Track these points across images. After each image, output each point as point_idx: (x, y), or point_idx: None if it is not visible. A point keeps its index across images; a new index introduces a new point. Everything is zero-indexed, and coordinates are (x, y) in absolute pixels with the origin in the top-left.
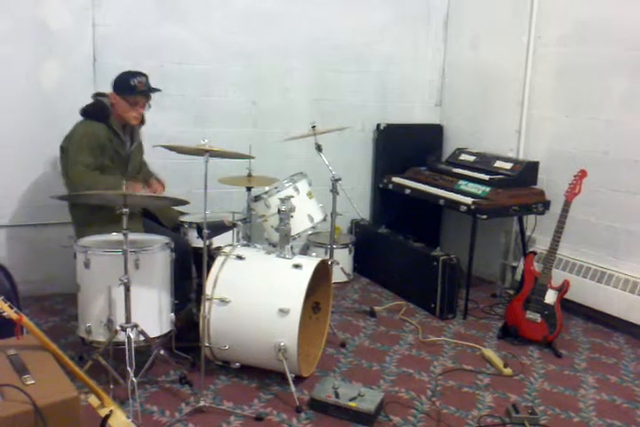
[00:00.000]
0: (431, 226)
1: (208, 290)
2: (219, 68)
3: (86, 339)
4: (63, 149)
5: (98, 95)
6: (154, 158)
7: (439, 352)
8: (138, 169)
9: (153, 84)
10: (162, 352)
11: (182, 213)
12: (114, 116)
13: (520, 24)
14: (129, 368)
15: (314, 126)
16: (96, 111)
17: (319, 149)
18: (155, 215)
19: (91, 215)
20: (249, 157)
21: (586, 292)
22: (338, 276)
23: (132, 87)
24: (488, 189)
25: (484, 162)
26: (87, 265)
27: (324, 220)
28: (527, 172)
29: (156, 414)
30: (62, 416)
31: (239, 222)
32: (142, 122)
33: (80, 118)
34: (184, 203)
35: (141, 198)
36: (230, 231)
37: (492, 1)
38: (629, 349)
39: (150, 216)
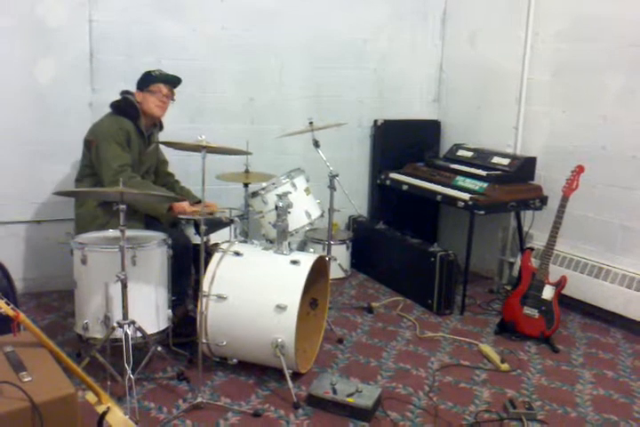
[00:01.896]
0: (429, 222)
1: (205, 286)
2: (216, 64)
3: (83, 336)
4: (88, 142)
5: (125, 93)
6: None
7: (436, 348)
8: (151, 173)
9: None
10: (159, 349)
11: None
12: (142, 115)
13: (517, 20)
14: (126, 365)
15: (311, 122)
16: (126, 108)
17: (317, 145)
18: None
19: (97, 211)
20: (246, 153)
21: (583, 287)
22: (335, 272)
23: (153, 76)
24: (485, 184)
25: (481, 158)
26: (84, 262)
27: (322, 216)
28: (525, 167)
29: (153, 410)
30: (59, 413)
31: (236, 219)
32: (161, 127)
33: (79, 114)
34: (179, 200)
35: (136, 195)
36: (228, 228)
37: None
38: (626, 344)
39: None
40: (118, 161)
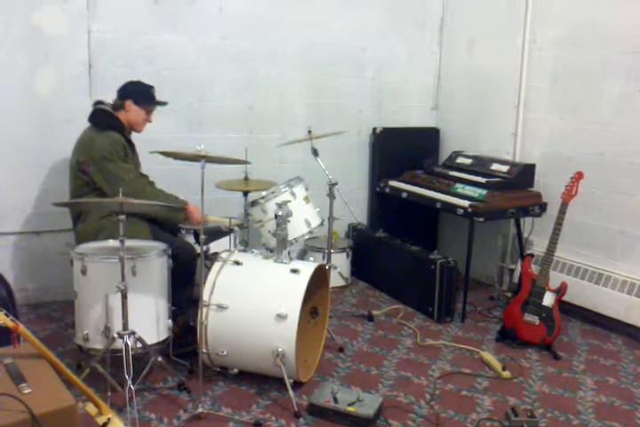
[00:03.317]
0: (428, 229)
1: (205, 296)
2: (215, 73)
3: (83, 346)
4: (81, 162)
5: (98, 103)
6: (152, 164)
7: (437, 356)
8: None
9: None
10: (159, 359)
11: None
12: (124, 125)
13: (515, 28)
14: (126, 375)
15: (310, 131)
16: (110, 121)
17: (316, 153)
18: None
19: (101, 223)
20: (245, 163)
21: (584, 294)
22: (336, 280)
23: (155, 99)
24: (485, 191)
25: (480, 165)
26: (84, 272)
27: (322, 224)
28: (524, 174)
29: (154, 421)
30: (60, 425)
31: (236, 228)
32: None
33: (78, 125)
34: (180, 209)
35: (138, 205)
36: (227, 237)
37: (487, 5)
38: (627, 350)
39: (152, 221)
40: (129, 174)
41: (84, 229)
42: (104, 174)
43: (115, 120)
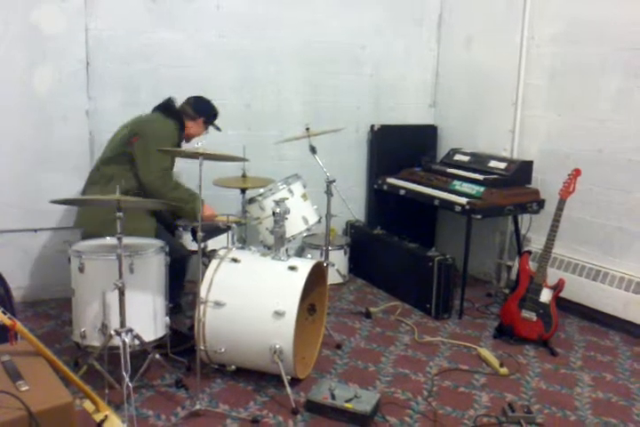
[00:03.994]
0: (426, 226)
1: (203, 293)
2: (213, 71)
3: (81, 344)
4: (132, 135)
5: (171, 100)
6: None
7: (435, 352)
8: None
9: (147, 87)
10: (157, 356)
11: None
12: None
13: (513, 24)
14: (124, 373)
15: (308, 128)
16: (176, 113)
17: (313, 150)
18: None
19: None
20: (243, 160)
21: (581, 290)
22: (333, 277)
23: (216, 125)
24: (482, 188)
25: (478, 162)
26: (81, 270)
27: (319, 222)
28: (521, 171)
29: (151, 418)
30: (57, 422)
31: (234, 225)
32: None
33: (76, 122)
34: (179, 206)
35: (136, 202)
36: (225, 234)
37: (485, 2)
38: (625, 346)
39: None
40: (163, 164)
41: (90, 218)
42: (145, 153)
43: (181, 119)
